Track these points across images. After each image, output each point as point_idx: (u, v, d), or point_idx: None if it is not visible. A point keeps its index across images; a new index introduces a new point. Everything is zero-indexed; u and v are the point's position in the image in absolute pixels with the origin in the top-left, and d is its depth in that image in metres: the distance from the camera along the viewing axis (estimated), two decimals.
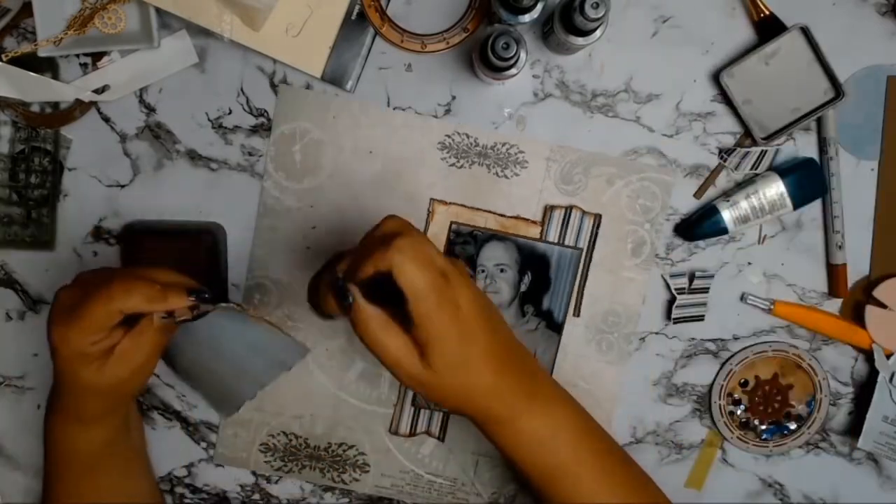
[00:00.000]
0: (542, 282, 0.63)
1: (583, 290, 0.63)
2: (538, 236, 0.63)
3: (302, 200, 0.63)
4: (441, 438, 0.66)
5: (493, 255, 0.63)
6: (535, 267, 0.63)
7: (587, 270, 0.63)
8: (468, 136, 0.62)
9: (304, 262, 0.64)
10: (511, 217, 0.63)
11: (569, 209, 0.63)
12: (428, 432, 0.66)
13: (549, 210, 0.63)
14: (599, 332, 0.64)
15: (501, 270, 0.63)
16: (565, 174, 0.62)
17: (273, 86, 0.62)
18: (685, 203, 0.63)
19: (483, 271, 0.63)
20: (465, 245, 0.63)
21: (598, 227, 0.63)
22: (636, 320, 0.64)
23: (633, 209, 0.63)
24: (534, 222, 0.63)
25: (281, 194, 0.63)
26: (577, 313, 0.64)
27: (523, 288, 0.63)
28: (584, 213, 0.63)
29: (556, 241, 0.63)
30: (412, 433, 0.66)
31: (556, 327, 0.64)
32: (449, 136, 0.62)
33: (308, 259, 0.64)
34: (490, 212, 0.63)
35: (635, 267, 0.63)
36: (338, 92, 0.62)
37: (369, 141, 0.62)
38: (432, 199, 0.63)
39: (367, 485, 0.67)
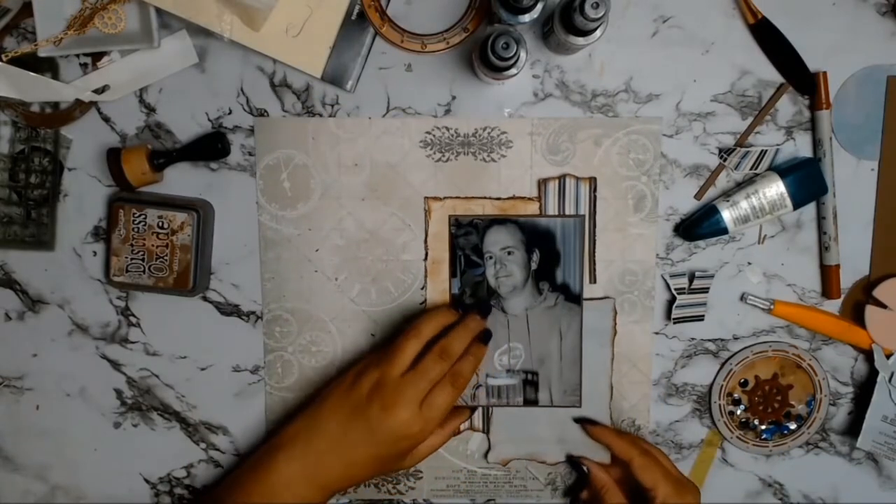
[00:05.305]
0: (551, 256, 0.63)
1: (594, 255, 0.63)
2: (538, 212, 0.63)
3: (300, 227, 0.63)
4: (486, 430, 0.66)
5: (498, 240, 0.63)
6: (541, 243, 0.63)
7: (594, 236, 0.63)
8: (448, 129, 0.62)
9: (315, 286, 0.64)
10: (507, 199, 0.63)
11: (562, 179, 0.62)
12: (471, 427, 0.65)
13: (542, 184, 0.62)
14: (619, 293, 0.63)
15: (509, 253, 0.63)
16: (551, 144, 0.62)
17: (273, 86, 0.62)
18: (685, 203, 0.63)
19: (491, 257, 0.63)
20: (468, 235, 0.63)
21: (595, 191, 0.62)
22: (653, 275, 0.63)
23: (626, 165, 0.62)
24: (531, 199, 0.63)
25: (278, 224, 0.63)
26: (593, 280, 0.63)
27: (534, 266, 0.63)
28: (577, 179, 0.62)
29: (556, 213, 0.63)
30: (456, 431, 0.65)
31: (575, 298, 0.63)
32: (429, 133, 0.62)
33: (319, 282, 0.63)
34: (485, 198, 0.63)
35: (641, 222, 0.63)
36: (323, 111, 0.62)
37: (352, 154, 0.62)
38: (426, 198, 0.63)
39: (424, 491, 0.66)
